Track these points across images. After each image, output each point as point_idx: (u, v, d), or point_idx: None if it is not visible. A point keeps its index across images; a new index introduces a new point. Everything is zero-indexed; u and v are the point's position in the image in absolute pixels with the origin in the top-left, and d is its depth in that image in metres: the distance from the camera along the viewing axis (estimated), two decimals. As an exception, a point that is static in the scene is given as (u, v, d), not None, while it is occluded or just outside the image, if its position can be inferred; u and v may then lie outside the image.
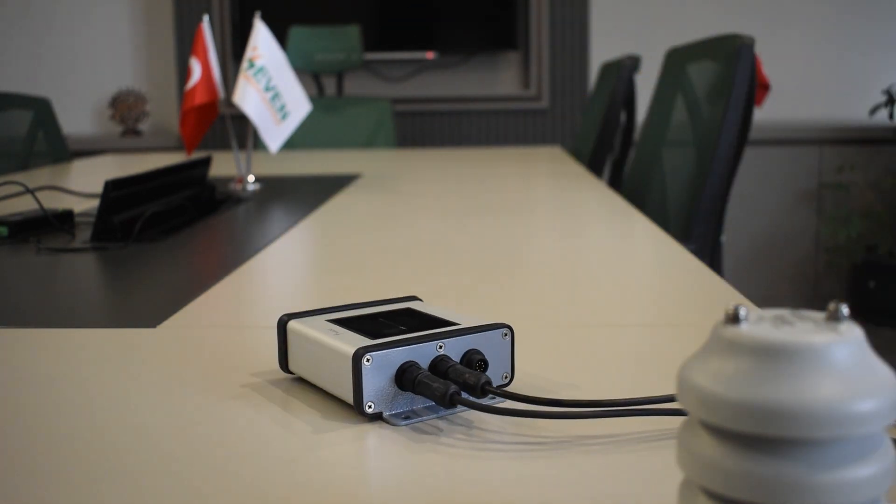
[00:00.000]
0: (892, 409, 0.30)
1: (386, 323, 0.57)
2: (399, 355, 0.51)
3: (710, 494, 0.31)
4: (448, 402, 0.49)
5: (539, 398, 0.51)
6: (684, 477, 0.33)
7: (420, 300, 0.64)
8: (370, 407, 0.51)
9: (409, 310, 0.61)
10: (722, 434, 0.31)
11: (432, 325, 0.56)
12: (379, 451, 0.48)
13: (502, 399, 0.52)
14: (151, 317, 0.77)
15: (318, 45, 3.49)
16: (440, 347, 0.53)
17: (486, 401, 0.53)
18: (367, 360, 0.50)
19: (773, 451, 0.30)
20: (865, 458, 0.30)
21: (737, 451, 0.30)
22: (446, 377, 0.51)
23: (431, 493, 0.43)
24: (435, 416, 0.52)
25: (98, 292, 0.97)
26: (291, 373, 0.59)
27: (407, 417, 0.51)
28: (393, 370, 0.51)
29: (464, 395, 0.50)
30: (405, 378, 0.51)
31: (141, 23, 4.16)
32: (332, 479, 0.45)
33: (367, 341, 0.52)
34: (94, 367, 0.66)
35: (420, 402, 0.52)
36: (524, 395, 0.50)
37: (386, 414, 0.51)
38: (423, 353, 0.52)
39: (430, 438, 0.49)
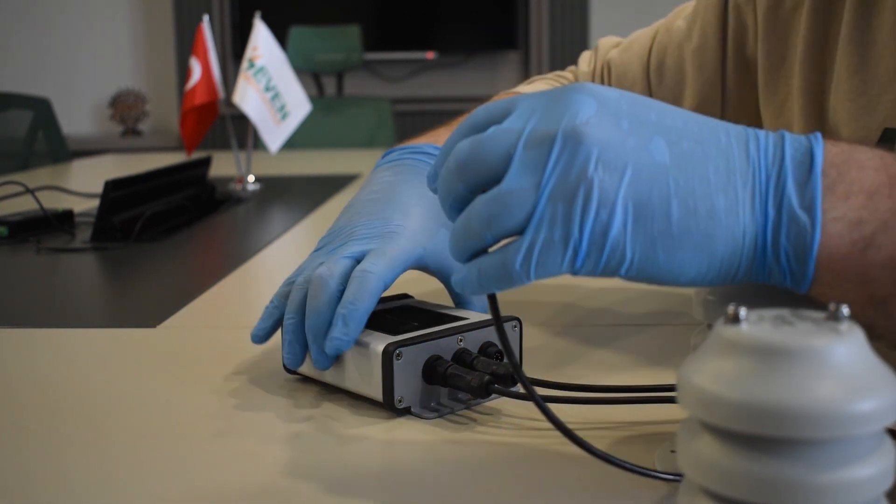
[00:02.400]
0: (892, 409, 0.30)
1: (395, 320, 0.57)
2: (425, 350, 0.52)
3: (710, 494, 0.31)
4: (484, 391, 0.50)
5: (570, 384, 0.51)
6: (685, 476, 0.33)
7: (412, 297, 0.64)
8: (400, 402, 0.51)
9: (408, 306, 0.61)
10: (722, 434, 0.31)
11: (442, 321, 0.56)
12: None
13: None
14: (151, 317, 0.77)
15: (318, 45, 3.49)
16: (460, 341, 0.54)
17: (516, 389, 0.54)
18: (398, 356, 0.51)
19: (773, 451, 0.30)
20: (865, 458, 0.30)
21: (737, 451, 0.30)
22: (473, 369, 0.52)
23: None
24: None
25: (98, 292, 0.97)
26: (296, 374, 0.59)
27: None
28: (420, 365, 0.52)
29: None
30: (433, 372, 0.52)
31: (141, 23, 4.16)
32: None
33: (390, 338, 0.52)
34: (94, 367, 0.66)
35: (444, 395, 0.53)
36: (555, 383, 0.52)
37: (414, 408, 0.52)
38: (445, 347, 0.53)
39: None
